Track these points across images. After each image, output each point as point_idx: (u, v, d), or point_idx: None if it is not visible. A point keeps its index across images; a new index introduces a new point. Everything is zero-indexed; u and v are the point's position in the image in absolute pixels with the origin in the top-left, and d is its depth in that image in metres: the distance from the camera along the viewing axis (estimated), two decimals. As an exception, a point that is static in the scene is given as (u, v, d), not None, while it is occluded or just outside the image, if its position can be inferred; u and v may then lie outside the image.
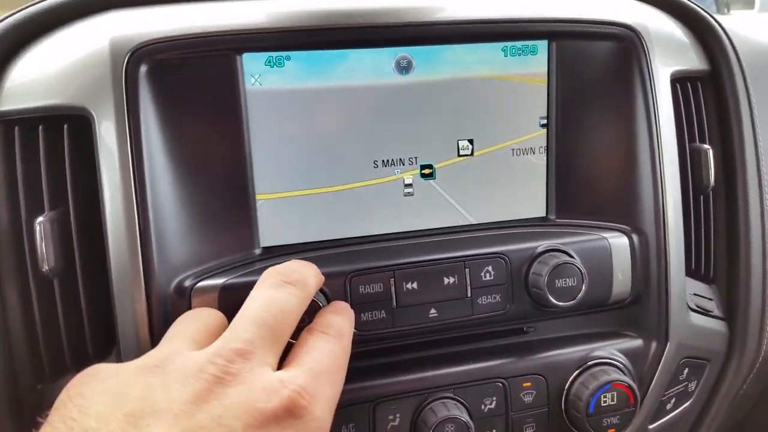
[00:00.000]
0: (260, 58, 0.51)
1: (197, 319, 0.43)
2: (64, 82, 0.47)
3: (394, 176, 0.55)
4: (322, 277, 0.47)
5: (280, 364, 0.39)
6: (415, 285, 0.51)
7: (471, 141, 0.57)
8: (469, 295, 0.52)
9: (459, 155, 0.57)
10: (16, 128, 0.48)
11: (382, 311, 0.50)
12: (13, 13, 0.50)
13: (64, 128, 0.48)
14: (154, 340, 0.46)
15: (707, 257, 0.63)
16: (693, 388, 0.62)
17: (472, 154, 0.57)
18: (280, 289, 0.41)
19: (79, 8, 0.51)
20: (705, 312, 0.61)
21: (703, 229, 0.62)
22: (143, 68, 0.47)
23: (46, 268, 0.46)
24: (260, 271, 0.48)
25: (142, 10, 0.50)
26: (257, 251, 0.53)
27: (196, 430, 0.33)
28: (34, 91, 0.48)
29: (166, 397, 0.34)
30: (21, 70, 0.49)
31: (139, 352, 0.45)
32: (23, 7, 0.50)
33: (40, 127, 0.48)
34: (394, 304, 0.51)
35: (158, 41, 0.47)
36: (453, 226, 0.58)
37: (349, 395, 0.49)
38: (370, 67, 0.53)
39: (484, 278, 0.52)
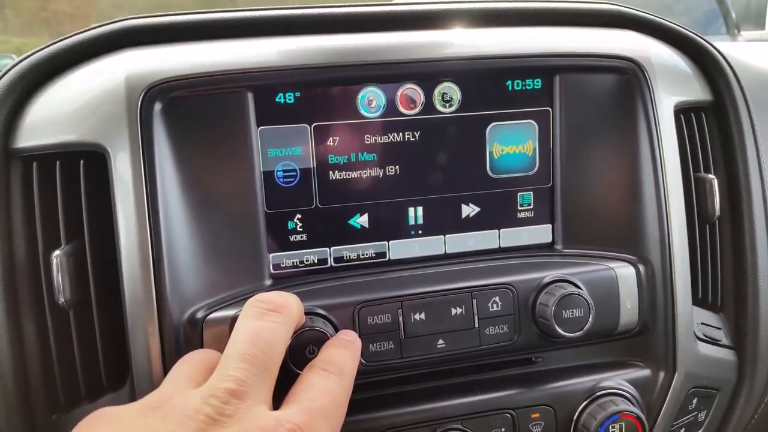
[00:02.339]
0: (271, 96, 0.52)
1: (194, 359, 0.43)
2: (81, 119, 0.49)
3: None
4: (301, 307, 0.46)
5: (280, 399, 0.40)
6: (422, 316, 0.51)
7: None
8: (476, 325, 0.52)
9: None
10: (35, 164, 0.49)
11: (390, 342, 0.51)
12: (32, 53, 0.51)
13: (81, 164, 0.49)
14: (167, 371, 0.46)
15: (714, 286, 0.63)
16: (703, 418, 0.61)
17: (478, 185, 0.58)
18: (264, 318, 0.41)
19: (96, 47, 0.52)
20: (713, 341, 0.61)
21: (709, 258, 0.63)
22: (158, 106, 0.48)
23: (62, 300, 0.47)
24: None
25: (156, 49, 0.52)
26: (267, 282, 0.54)
27: None
28: (51, 127, 0.49)
29: None
30: (39, 108, 0.50)
31: (152, 383, 0.46)
32: (42, 47, 0.52)
33: (58, 163, 0.49)
34: (402, 334, 0.51)
35: (172, 79, 0.48)
36: (461, 252, 0.58)
37: (357, 426, 0.50)
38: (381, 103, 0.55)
39: (491, 309, 0.53)
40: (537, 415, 0.53)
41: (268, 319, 0.42)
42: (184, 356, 0.44)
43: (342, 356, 0.44)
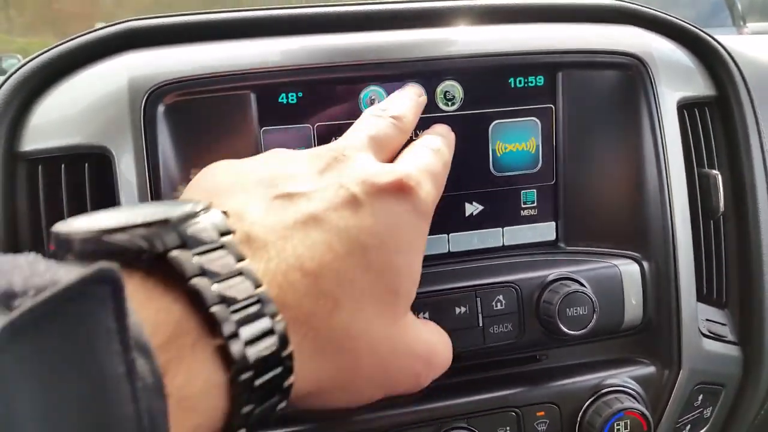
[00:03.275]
0: (274, 96, 0.52)
1: None
2: (85, 121, 0.49)
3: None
4: (421, 101, 0.50)
5: None
6: (426, 315, 0.51)
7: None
8: (480, 324, 0.53)
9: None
10: (40, 167, 0.49)
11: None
12: (36, 57, 0.52)
13: (85, 166, 0.49)
14: None
15: (719, 282, 0.63)
16: (708, 415, 0.61)
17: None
18: (382, 119, 0.44)
19: (99, 49, 0.53)
20: (718, 337, 0.61)
21: (714, 254, 0.63)
22: (161, 107, 0.49)
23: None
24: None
25: (159, 51, 0.52)
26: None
27: (323, 188, 0.36)
28: (56, 130, 0.50)
29: (295, 167, 0.38)
30: (44, 111, 0.51)
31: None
32: (45, 50, 0.52)
33: (62, 166, 0.49)
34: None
35: (174, 81, 0.49)
36: (464, 251, 0.58)
37: (360, 426, 0.50)
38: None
39: (495, 307, 0.53)
40: (542, 413, 0.53)
41: (386, 120, 0.45)
42: None
43: (440, 141, 0.46)
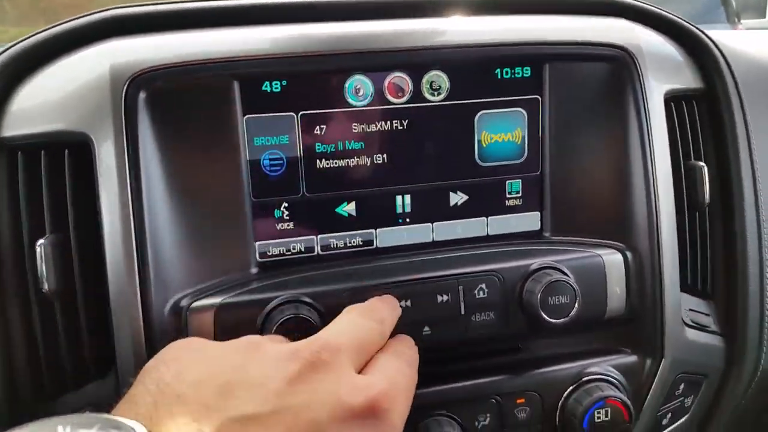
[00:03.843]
0: (257, 84, 0.52)
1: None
2: (66, 108, 0.49)
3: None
4: (398, 313, 0.48)
5: None
6: (408, 303, 0.51)
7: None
8: (462, 313, 0.53)
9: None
10: (19, 153, 0.49)
11: (376, 330, 0.51)
12: (17, 43, 0.51)
13: (65, 153, 0.49)
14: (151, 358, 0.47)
15: (703, 273, 0.63)
16: (689, 404, 0.62)
17: (466, 173, 0.58)
18: (366, 320, 0.43)
19: (81, 36, 0.52)
20: (701, 327, 0.61)
21: (699, 245, 0.63)
22: (142, 95, 0.48)
23: (47, 289, 0.47)
24: (257, 290, 0.50)
25: (141, 38, 0.51)
26: (253, 270, 0.54)
27: (285, 410, 0.34)
28: (36, 117, 0.49)
29: (261, 373, 0.35)
30: (24, 97, 0.50)
31: (137, 370, 0.46)
32: (27, 36, 0.52)
33: (42, 152, 0.49)
34: (388, 322, 0.51)
35: (156, 68, 0.48)
36: (449, 240, 0.58)
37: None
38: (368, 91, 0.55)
39: (477, 296, 0.53)
40: (522, 400, 0.53)
41: (369, 323, 0.43)
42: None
43: (409, 350, 0.45)
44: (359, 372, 0.39)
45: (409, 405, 0.40)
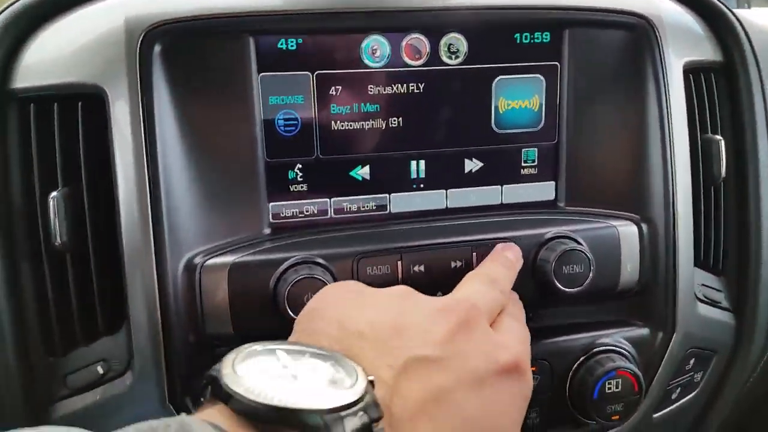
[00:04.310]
0: (273, 41, 0.51)
1: None
2: (79, 60, 0.48)
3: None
4: (517, 270, 0.50)
5: None
6: (422, 268, 0.51)
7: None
8: (476, 279, 0.52)
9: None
10: (32, 106, 0.48)
11: (389, 293, 0.51)
12: (29, -7, 0.50)
13: (78, 106, 0.48)
14: (164, 315, 0.46)
15: (717, 248, 0.63)
16: (699, 379, 0.62)
17: (482, 140, 0.57)
18: (492, 290, 0.45)
19: (95, -12, 0.51)
20: (713, 303, 0.61)
21: (713, 220, 0.62)
22: (157, 48, 0.47)
23: (59, 242, 0.47)
24: (270, 251, 0.49)
25: (157, -9, 0.50)
26: (266, 231, 0.53)
27: (452, 356, 0.37)
28: (49, 69, 0.48)
29: (426, 323, 0.38)
30: (37, 49, 0.49)
31: (148, 327, 0.46)
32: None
33: (55, 105, 0.48)
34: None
35: (172, 21, 0.47)
36: (462, 207, 0.58)
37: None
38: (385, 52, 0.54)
39: (491, 263, 0.52)
40: (534, 369, 0.53)
41: (495, 289, 0.46)
42: None
43: (520, 313, 0.48)
44: None
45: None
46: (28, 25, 0.50)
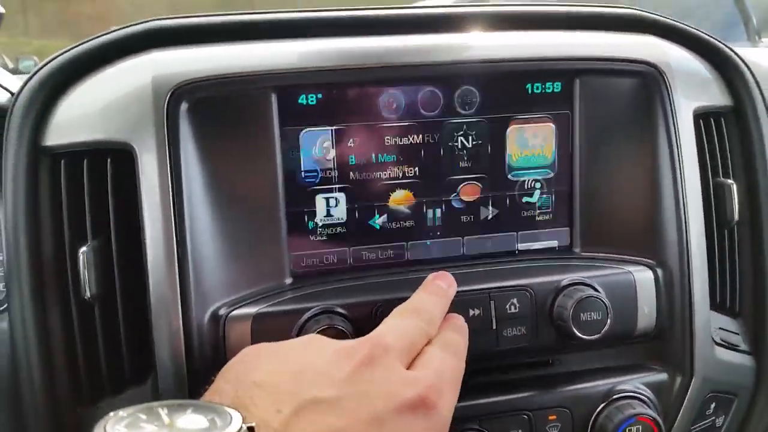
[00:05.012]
0: (294, 97, 0.53)
1: None
2: (108, 118, 0.50)
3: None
4: (451, 296, 0.50)
5: None
6: (440, 316, 0.52)
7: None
8: (494, 327, 0.53)
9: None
10: (63, 161, 0.50)
11: (408, 341, 0.51)
12: (61, 54, 0.53)
13: (108, 162, 0.50)
14: (190, 366, 0.47)
15: (732, 291, 0.63)
16: (720, 423, 0.61)
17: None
18: (414, 320, 0.45)
19: (123, 48, 0.53)
20: (731, 346, 0.61)
21: (728, 263, 0.63)
22: (184, 105, 0.49)
23: (88, 295, 0.48)
24: (291, 301, 0.50)
25: (182, 50, 0.53)
26: (288, 280, 0.54)
27: (348, 397, 0.37)
28: (80, 126, 0.50)
29: (326, 365, 0.39)
30: (68, 107, 0.51)
31: (175, 377, 0.47)
32: (70, 47, 0.53)
33: (85, 161, 0.50)
34: (420, 333, 0.51)
35: (198, 80, 0.49)
36: (479, 254, 0.59)
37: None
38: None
39: (509, 310, 0.53)
40: (554, 417, 0.53)
41: (414, 321, 0.45)
42: None
43: (457, 339, 0.47)
44: (408, 367, 0.42)
45: (456, 394, 0.43)
46: (60, 84, 0.52)
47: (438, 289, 0.50)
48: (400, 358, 0.41)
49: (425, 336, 0.45)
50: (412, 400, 0.38)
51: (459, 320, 0.49)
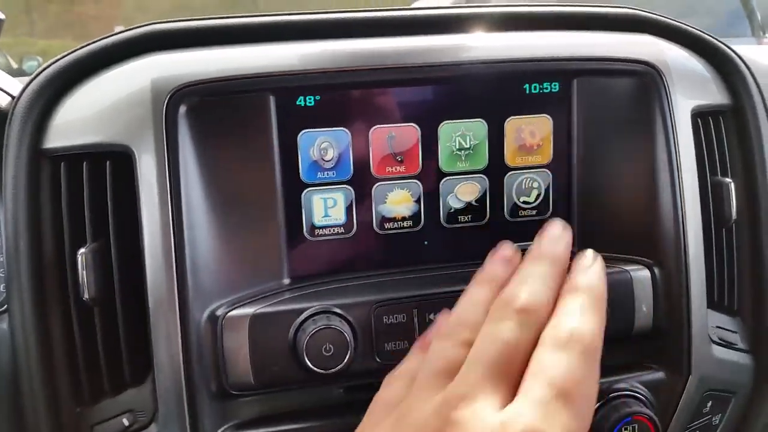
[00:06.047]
0: (292, 99, 0.53)
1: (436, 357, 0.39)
2: (108, 121, 0.50)
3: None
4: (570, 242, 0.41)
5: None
6: (433, 316, 0.52)
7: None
8: (492, 325, 0.53)
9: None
10: (62, 164, 0.51)
11: (406, 341, 0.52)
12: (61, 57, 0.53)
13: (107, 164, 0.51)
14: (188, 367, 0.48)
15: (730, 290, 0.63)
16: (717, 422, 0.61)
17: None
18: (506, 322, 0.36)
19: (122, 51, 0.54)
20: (728, 345, 0.61)
21: (725, 262, 0.63)
22: (182, 108, 0.50)
23: (87, 296, 0.49)
24: (289, 301, 0.51)
25: (181, 53, 0.53)
26: (285, 281, 0.55)
27: None
28: (79, 129, 0.51)
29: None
30: (68, 110, 0.52)
31: (173, 378, 0.48)
32: (70, 51, 0.53)
33: (84, 163, 0.51)
34: (418, 334, 0.52)
35: (197, 83, 0.50)
36: (477, 254, 0.58)
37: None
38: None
39: (505, 309, 0.53)
40: None
41: (511, 322, 0.36)
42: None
43: (576, 320, 0.36)
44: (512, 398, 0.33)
45: (584, 412, 0.33)
46: (60, 87, 0.52)
47: (552, 240, 0.39)
48: (490, 395, 0.33)
49: (529, 331, 0.35)
50: None
51: (591, 278, 0.38)
